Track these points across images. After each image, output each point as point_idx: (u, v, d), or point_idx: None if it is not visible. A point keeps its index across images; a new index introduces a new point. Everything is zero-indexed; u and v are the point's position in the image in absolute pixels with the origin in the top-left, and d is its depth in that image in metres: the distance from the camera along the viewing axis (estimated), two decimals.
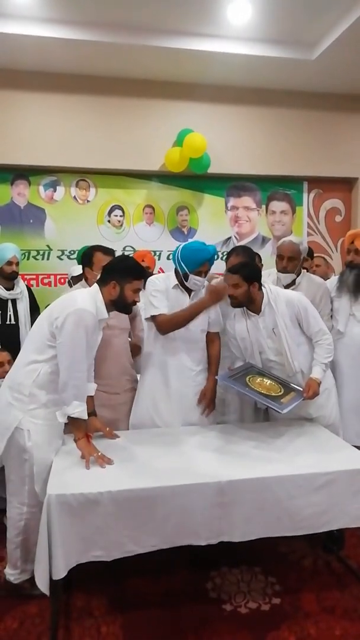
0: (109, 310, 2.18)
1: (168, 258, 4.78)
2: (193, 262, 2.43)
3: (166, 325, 2.43)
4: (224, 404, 2.85)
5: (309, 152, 4.93)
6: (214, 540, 1.97)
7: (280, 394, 2.40)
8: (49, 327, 2.09)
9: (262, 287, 2.51)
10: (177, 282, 2.51)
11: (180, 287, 2.51)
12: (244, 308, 2.54)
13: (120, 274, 2.17)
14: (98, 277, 2.27)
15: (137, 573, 2.25)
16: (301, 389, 2.45)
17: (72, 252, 4.59)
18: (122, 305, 2.21)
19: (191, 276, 2.45)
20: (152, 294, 2.47)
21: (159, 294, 2.47)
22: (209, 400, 2.57)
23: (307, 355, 2.53)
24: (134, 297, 2.21)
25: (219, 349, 2.64)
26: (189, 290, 2.53)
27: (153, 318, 2.46)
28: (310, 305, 2.52)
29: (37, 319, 2.24)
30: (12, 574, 2.14)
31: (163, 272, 3.51)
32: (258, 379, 2.46)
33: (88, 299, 2.12)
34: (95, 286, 2.19)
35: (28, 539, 2.07)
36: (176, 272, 2.54)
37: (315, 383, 2.42)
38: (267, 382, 2.46)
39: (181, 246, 2.51)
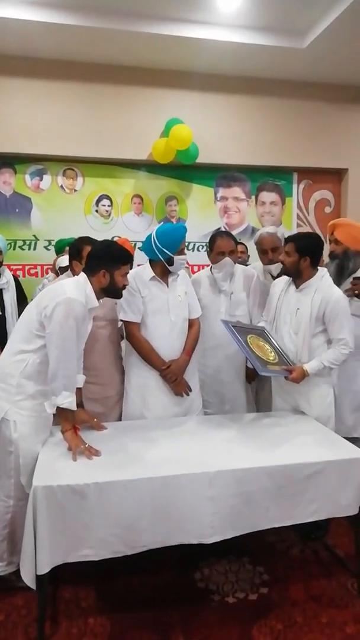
0: (99, 297, 2.16)
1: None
2: (173, 243, 2.43)
3: (131, 341, 2.52)
4: (218, 396, 2.85)
5: (299, 142, 4.91)
6: (207, 540, 1.94)
7: (270, 361, 2.40)
8: (38, 317, 2.07)
9: (318, 268, 2.49)
10: (153, 274, 2.49)
11: (158, 277, 2.50)
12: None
13: (109, 262, 2.15)
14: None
15: (125, 564, 2.23)
16: (291, 368, 2.43)
17: None
18: (113, 291, 2.20)
19: (175, 258, 2.44)
20: (124, 296, 2.43)
21: (131, 297, 2.46)
22: (170, 372, 2.47)
23: (318, 350, 2.46)
24: (124, 282, 2.21)
25: (198, 332, 2.64)
26: (165, 279, 2.51)
27: (123, 321, 2.52)
28: (346, 314, 2.41)
29: (25, 309, 2.20)
30: None
31: None
32: (259, 342, 2.44)
33: (77, 288, 2.09)
34: (83, 275, 2.17)
35: (15, 531, 2.05)
36: (151, 262, 2.52)
37: (302, 373, 2.40)
38: (267, 347, 2.44)
39: (154, 234, 2.46)
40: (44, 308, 2.04)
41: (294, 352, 2.49)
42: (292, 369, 2.42)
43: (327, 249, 5.22)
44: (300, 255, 2.43)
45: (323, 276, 2.49)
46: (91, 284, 2.13)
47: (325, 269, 2.55)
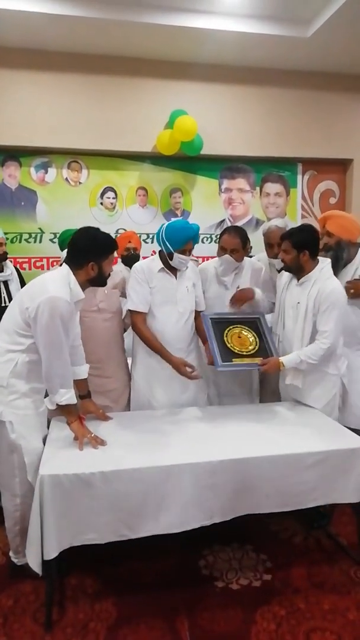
0: (84, 288, 2.10)
1: (149, 241, 4.71)
2: (177, 241, 2.44)
3: (137, 330, 2.52)
4: (216, 385, 2.87)
5: (304, 132, 4.88)
6: (207, 522, 1.99)
7: (244, 352, 2.47)
8: (22, 316, 2.00)
9: (318, 259, 2.51)
10: (162, 266, 2.51)
11: (166, 269, 2.52)
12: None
13: (96, 253, 2.09)
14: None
15: (131, 551, 2.28)
16: (266, 360, 2.45)
17: None
18: (100, 281, 2.16)
19: (176, 255, 2.45)
20: (133, 286, 2.49)
21: (139, 287, 2.48)
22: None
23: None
24: (110, 270, 2.18)
25: None
26: (174, 271, 2.54)
27: (130, 311, 2.53)
28: (336, 307, 2.38)
29: (9, 307, 2.13)
30: (15, 557, 2.17)
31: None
32: (243, 332, 2.49)
33: (60, 283, 2.01)
34: (66, 267, 2.08)
35: (26, 527, 2.03)
36: (161, 253, 2.54)
37: (277, 365, 2.43)
38: (250, 338, 2.48)
39: (165, 225, 2.49)
40: (26, 309, 1.97)
41: (298, 346, 2.49)
42: (266, 361, 2.43)
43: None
44: (299, 251, 2.44)
45: (322, 268, 2.49)
46: (76, 275, 2.06)
47: (327, 260, 2.56)
